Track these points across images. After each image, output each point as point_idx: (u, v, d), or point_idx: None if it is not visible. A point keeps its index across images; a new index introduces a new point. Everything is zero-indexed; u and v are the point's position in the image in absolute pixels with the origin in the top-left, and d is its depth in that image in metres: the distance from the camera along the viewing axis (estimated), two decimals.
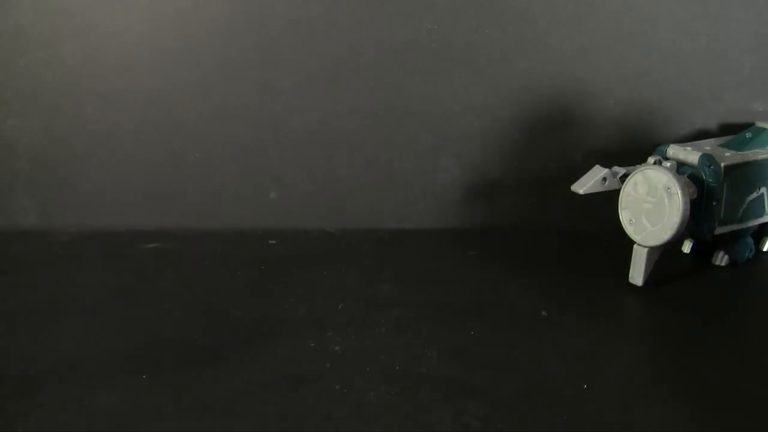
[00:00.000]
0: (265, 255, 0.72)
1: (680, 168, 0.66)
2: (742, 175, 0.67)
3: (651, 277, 0.65)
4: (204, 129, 0.77)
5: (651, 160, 0.67)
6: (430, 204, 0.79)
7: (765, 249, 0.72)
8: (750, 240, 0.70)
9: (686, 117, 0.77)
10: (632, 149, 0.75)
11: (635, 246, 0.65)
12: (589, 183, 0.64)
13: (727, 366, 0.54)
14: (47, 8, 0.74)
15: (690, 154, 0.66)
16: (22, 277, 0.68)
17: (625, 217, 0.64)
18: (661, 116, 0.77)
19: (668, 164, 0.64)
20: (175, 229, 0.77)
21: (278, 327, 0.59)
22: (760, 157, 0.68)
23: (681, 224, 0.61)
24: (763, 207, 0.69)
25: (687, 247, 0.72)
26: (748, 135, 0.70)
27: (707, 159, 0.65)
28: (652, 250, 0.64)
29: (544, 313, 0.61)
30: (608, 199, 0.67)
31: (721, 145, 0.70)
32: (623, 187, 0.65)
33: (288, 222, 0.78)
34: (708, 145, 0.70)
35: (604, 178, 0.64)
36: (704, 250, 0.71)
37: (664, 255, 0.65)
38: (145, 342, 0.57)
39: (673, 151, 0.68)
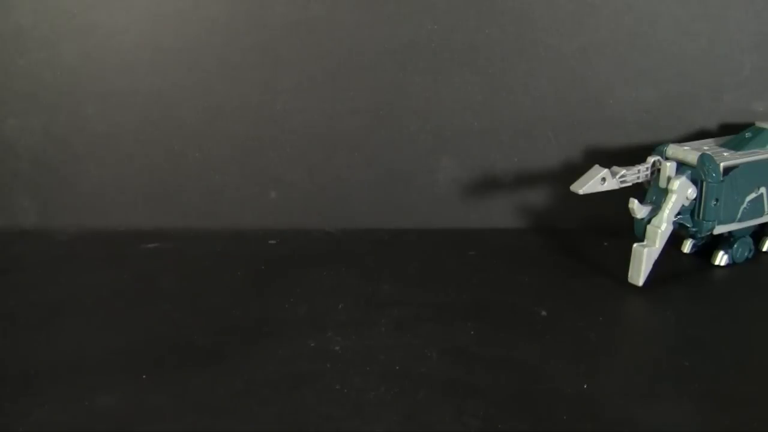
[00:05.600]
0: (265, 255, 0.72)
1: (680, 168, 0.66)
2: (742, 175, 0.67)
3: (651, 276, 0.65)
4: (204, 129, 0.77)
5: (651, 160, 0.67)
6: (430, 204, 0.79)
7: (765, 249, 0.72)
8: (749, 240, 0.70)
9: (686, 117, 0.77)
10: (632, 149, 0.75)
11: (635, 246, 0.65)
12: (588, 183, 0.64)
13: (727, 366, 0.54)
14: (47, 8, 0.74)
15: (689, 154, 0.66)
16: (22, 277, 0.68)
17: None
18: (661, 116, 0.77)
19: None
20: (175, 229, 0.77)
21: (278, 327, 0.59)
22: (760, 157, 0.68)
23: None
24: (763, 207, 0.69)
25: (687, 247, 0.72)
26: (748, 135, 0.70)
27: (706, 159, 0.65)
28: (651, 249, 0.64)
29: (544, 313, 0.61)
30: (608, 199, 0.67)
31: (721, 145, 0.70)
32: None
33: (288, 222, 0.78)
34: (707, 145, 0.70)
35: (603, 178, 0.64)
36: (704, 250, 0.71)
37: (664, 255, 0.65)
38: (145, 342, 0.57)
39: (673, 150, 0.68)
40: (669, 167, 0.66)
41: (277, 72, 0.76)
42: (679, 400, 0.50)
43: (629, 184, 0.66)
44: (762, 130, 0.70)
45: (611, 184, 0.65)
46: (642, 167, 0.66)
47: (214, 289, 0.65)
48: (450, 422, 0.48)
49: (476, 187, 0.78)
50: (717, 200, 0.66)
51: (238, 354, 0.55)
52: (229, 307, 0.62)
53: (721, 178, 0.65)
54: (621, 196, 0.66)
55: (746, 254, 0.70)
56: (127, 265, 0.69)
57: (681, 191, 0.65)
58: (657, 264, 0.65)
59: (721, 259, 0.69)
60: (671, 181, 0.65)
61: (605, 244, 0.74)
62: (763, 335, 0.59)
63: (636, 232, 0.67)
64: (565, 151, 0.77)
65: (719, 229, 0.67)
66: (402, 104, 0.77)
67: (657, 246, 0.64)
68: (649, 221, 0.65)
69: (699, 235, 0.68)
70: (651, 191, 0.67)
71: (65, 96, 0.76)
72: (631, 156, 0.70)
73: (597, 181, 0.64)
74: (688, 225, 0.66)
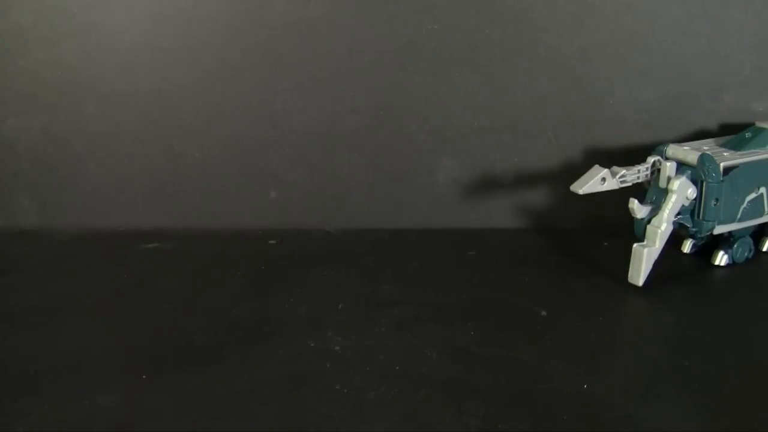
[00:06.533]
0: (265, 255, 0.72)
1: (680, 168, 0.66)
2: (742, 175, 0.67)
3: (651, 277, 0.65)
4: (204, 129, 0.77)
5: (651, 160, 0.67)
6: (430, 204, 0.79)
7: (765, 249, 0.72)
8: (749, 240, 0.70)
9: (686, 117, 0.77)
10: (632, 149, 0.75)
11: (635, 246, 0.65)
12: (588, 183, 0.64)
13: (727, 366, 0.54)
14: (47, 8, 0.74)
15: (689, 154, 0.66)
16: (22, 277, 0.68)
17: None
18: (661, 116, 0.77)
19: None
20: (175, 229, 0.77)
21: (278, 327, 0.59)
22: (760, 157, 0.68)
23: None
24: (763, 207, 0.69)
25: (687, 247, 0.72)
26: (748, 135, 0.70)
27: (706, 159, 0.65)
28: (651, 249, 0.64)
29: (544, 313, 0.61)
30: (608, 199, 0.67)
31: (721, 145, 0.70)
32: None
33: (288, 222, 0.78)
34: (707, 145, 0.70)
35: (603, 179, 0.64)
36: (704, 250, 0.71)
37: (664, 255, 0.65)
38: (145, 342, 0.57)
39: (673, 150, 0.68)
40: (669, 167, 0.66)
41: (277, 72, 0.76)
42: (679, 400, 0.50)
43: (629, 184, 0.66)
44: (762, 130, 0.70)
45: (611, 184, 0.65)
46: (642, 167, 0.66)
47: (214, 289, 0.65)
48: (450, 422, 0.48)
49: (476, 187, 0.78)
50: (717, 200, 0.66)
51: (238, 354, 0.55)
52: (229, 307, 0.62)
53: (721, 178, 0.65)
54: (621, 196, 0.66)
55: (746, 254, 0.70)
56: (127, 265, 0.69)
57: (681, 191, 0.65)
58: (657, 264, 0.65)
59: (721, 259, 0.69)
60: (671, 181, 0.65)
61: (605, 244, 0.74)
62: (763, 335, 0.59)
63: (636, 232, 0.67)
64: (565, 151, 0.77)
65: (719, 229, 0.67)
66: (402, 104, 0.77)
67: (657, 246, 0.64)
68: (649, 221, 0.65)
69: (699, 235, 0.68)
70: (651, 191, 0.67)
71: (65, 96, 0.76)
72: (631, 156, 0.70)
73: (597, 181, 0.64)
74: (688, 225, 0.66)
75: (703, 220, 0.66)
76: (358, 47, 0.75)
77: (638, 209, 0.65)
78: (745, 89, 0.76)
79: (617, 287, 0.65)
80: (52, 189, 0.78)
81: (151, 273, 0.68)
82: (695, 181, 0.65)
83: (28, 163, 0.78)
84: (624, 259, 0.66)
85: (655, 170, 0.67)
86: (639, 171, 0.66)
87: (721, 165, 0.66)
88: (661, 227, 0.64)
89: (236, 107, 0.77)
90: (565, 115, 0.77)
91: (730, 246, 0.69)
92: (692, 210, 0.66)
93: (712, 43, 0.76)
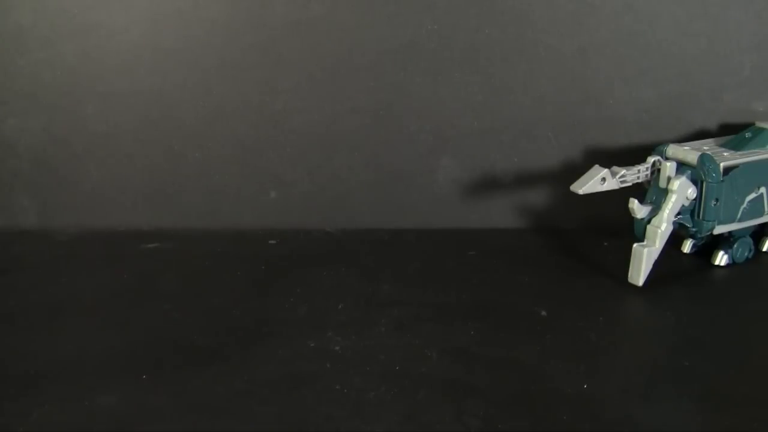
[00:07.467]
0: (265, 255, 0.72)
1: (680, 168, 0.66)
2: (742, 175, 0.67)
3: (651, 276, 0.65)
4: (204, 129, 0.77)
5: (651, 160, 0.67)
6: (430, 204, 0.79)
7: (765, 249, 0.72)
8: (749, 240, 0.70)
9: (686, 117, 0.77)
10: (632, 149, 0.75)
11: (635, 246, 0.65)
12: (587, 183, 0.64)
13: (727, 366, 0.54)
14: (47, 8, 0.74)
15: (689, 154, 0.66)
16: (22, 277, 0.68)
17: None
18: (661, 116, 0.77)
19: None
20: (175, 229, 0.77)
21: (278, 327, 0.59)
22: (760, 157, 0.68)
23: None
24: (763, 207, 0.69)
25: (687, 247, 0.72)
26: (748, 135, 0.70)
27: (706, 159, 0.65)
28: (651, 249, 0.64)
29: (544, 313, 0.61)
30: (608, 199, 0.67)
31: (721, 145, 0.70)
32: None
33: (288, 222, 0.78)
34: (707, 145, 0.70)
35: (603, 178, 0.64)
36: (704, 250, 0.71)
37: (664, 255, 0.65)
38: (145, 342, 0.57)
39: (673, 150, 0.68)
40: (669, 167, 0.66)
41: (277, 72, 0.76)
42: (679, 400, 0.50)
43: (629, 184, 0.66)
44: (762, 130, 0.70)
45: (611, 184, 0.65)
46: (642, 167, 0.66)
47: (214, 289, 0.65)
48: (450, 422, 0.48)
49: (476, 187, 0.78)
50: (717, 200, 0.66)
51: (238, 354, 0.55)
52: (229, 307, 0.62)
53: (721, 178, 0.65)
54: (621, 196, 0.66)
55: (746, 254, 0.70)
56: (127, 265, 0.69)
57: (681, 191, 0.65)
58: (657, 264, 0.65)
59: (721, 259, 0.69)
60: (671, 181, 0.65)
61: (605, 244, 0.74)
62: (763, 335, 0.59)
63: (636, 232, 0.67)
64: (565, 151, 0.77)
65: (719, 229, 0.67)
66: (402, 104, 0.77)
67: (657, 246, 0.64)
68: (649, 221, 0.65)
69: (699, 235, 0.68)
70: (651, 191, 0.67)
71: (65, 96, 0.76)
72: (631, 156, 0.70)
73: (597, 181, 0.64)
74: (688, 225, 0.66)
75: (703, 220, 0.66)
76: (358, 47, 0.75)
77: (638, 209, 0.65)
78: (745, 89, 0.76)
79: (617, 287, 0.65)
80: (52, 189, 0.78)
81: (151, 273, 0.68)
82: (695, 181, 0.65)
83: (28, 163, 0.78)
84: (624, 259, 0.66)
85: (655, 170, 0.67)
86: (639, 171, 0.66)
87: (721, 165, 0.66)
88: (661, 227, 0.64)
89: (236, 107, 0.77)
90: (565, 115, 0.77)
91: (730, 246, 0.69)
92: (692, 210, 0.66)
93: (712, 43, 0.76)
